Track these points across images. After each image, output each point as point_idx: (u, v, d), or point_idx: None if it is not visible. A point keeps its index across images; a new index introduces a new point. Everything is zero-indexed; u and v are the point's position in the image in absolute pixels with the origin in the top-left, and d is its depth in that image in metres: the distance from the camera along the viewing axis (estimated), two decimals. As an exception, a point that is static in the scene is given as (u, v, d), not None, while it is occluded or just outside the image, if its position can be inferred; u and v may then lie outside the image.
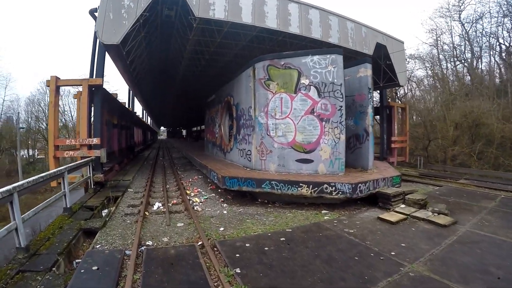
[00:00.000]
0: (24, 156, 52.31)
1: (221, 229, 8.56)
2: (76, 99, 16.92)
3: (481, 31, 33.09)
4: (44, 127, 50.30)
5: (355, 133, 14.07)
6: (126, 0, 12.19)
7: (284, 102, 12.37)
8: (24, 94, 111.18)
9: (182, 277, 5.62)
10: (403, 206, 10.68)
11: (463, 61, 34.50)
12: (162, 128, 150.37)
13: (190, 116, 67.87)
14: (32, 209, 7.50)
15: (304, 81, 12.18)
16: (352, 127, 14.15)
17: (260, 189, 10.89)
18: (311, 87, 12.14)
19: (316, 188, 10.42)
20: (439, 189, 14.59)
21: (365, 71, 13.68)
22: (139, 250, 7.05)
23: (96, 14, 12.66)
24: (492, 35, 32.20)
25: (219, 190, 13.33)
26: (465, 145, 26.97)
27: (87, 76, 15.08)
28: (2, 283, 5.39)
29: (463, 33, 34.24)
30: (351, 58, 17.04)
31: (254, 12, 13.74)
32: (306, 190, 10.44)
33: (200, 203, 11.64)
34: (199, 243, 7.40)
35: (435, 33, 37.62)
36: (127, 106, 31.06)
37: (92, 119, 14.57)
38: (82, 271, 5.81)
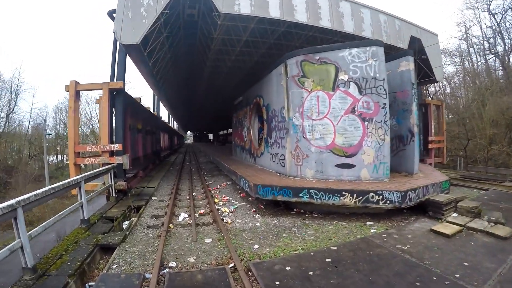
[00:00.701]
0: (54, 162, 53.17)
1: (256, 246, 7.43)
2: (98, 104, 16.31)
3: (512, 21, 30.69)
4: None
5: (398, 134, 12.72)
6: (145, -2, 11.41)
7: (321, 100, 11.21)
8: (53, 102, 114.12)
9: (211, 313, 4.54)
10: (455, 215, 9.45)
11: (496, 54, 32.27)
12: (188, 132, 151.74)
13: (217, 120, 67.59)
14: (41, 225, 6.65)
15: (343, 77, 10.98)
16: (394, 127, 12.77)
17: (297, 198, 9.73)
18: (351, 83, 10.93)
19: (361, 197, 9.21)
20: (486, 194, 13.18)
21: (407, 65, 12.38)
22: (161, 273, 6.05)
23: (115, 15, 11.94)
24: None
25: (250, 199, 12.26)
26: (505, 143, 25.06)
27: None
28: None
29: (494, 24, 31.99)
30: (386, 53, 15.74)
31: (282, 5, 12.69)
32: (350, 199, 9.25)
33: (230, 213, 10.62)
34: (231, 265, 6.31)
35: (464, 26, 35.36)
36: (152, 111, 30.47)
37: (114, 124, 13.80)
38: (93, 301, 4.82)
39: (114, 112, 13.74)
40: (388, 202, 9.14)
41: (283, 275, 5.80)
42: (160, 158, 30.16)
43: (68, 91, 12.94)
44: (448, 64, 34.84)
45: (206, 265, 6.52)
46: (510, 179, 17.87)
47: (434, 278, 5.61)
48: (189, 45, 20.00)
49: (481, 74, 32.94)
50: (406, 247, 7.16)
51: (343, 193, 9.31)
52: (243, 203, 11.94)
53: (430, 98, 30.42)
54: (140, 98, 18.78)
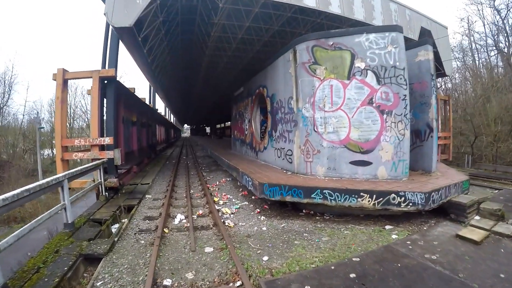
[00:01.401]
0: (49, 156, 52.02)
1: (265, 258, 6.33)
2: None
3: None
4: (67, 127, 50.04)
5: (415, 129, 11.62)
6: (139, -25, 10.31)
7: (335, 90, 10.10)
8: (48, 95, 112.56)
9: None
10: (477, 218, 8.68)
11: (500, 51, 31.37)
12: (185, 126, 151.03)
13: (214, 113, 66.85)
14: (12, 235, 5.55)
15: (359, 64, 9.87)
16: (411, 121, 11.64)
17: (308, 199, 8.66)
18: (368, 71, 9.82)
19: (381, 199, 8.18)
20: (500, 193, 12.32)
21: (426, 54, 11.30)
22: (153, 296, 4.98)
23: (107, -3, 10.78)
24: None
25: (253, 197, 11.22)
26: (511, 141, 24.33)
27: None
28: None
29: (498, 20, 31.08)
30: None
31: (289, -12, 11.60)
32: (368, 201, 8.22)
33: (232, 215, 9.59)
34: (238, 283, 5.25)
35: (467, 21, 34.30)
36: (147, 103, 29.23)
37: (105, 116, 12.68)
38: None
39: (105, 103, 12.63)
40: (410, 204, 8.15)
41: (302, 298, 4.74)
42: (156, 152, 29.01)
43: (55, 80, 11.87)
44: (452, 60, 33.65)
45: (207, 282, 5.43)
46: (520, 177, 17.20)
47: (474, 294, 4.76)
48: (187, 32, 18.81)
49: (483, 71, 32.22)
50: (435, 257, 6.31)
51: (361, 194, 8.27)
52: (245, 203, 10.89)
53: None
54: (134, 88, 17.66)
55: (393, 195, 8.15)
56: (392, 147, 9.65)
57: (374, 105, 9.75)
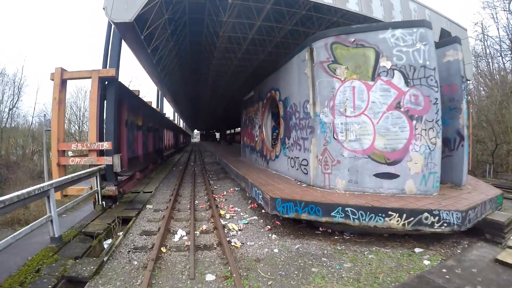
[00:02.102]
0: (58, 158, 51.84)
1: (278, 292, 5.30)
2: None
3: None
4: (75, 130, 50.11)
5: (444, 137, 10.30)
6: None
7: (357, 92, 9.01)
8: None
9: None
10: None
11: None
12: (195, 131, 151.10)
13: (224, 119, 66.02)
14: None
15: (385, 63, 8.79)
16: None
17: (328, 218, 7.57)
18: (395, 71, 8.73)
19: (412, 219, 7.05)
20: None
21: (455, 54, 10.11)
22: None
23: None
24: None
25: (263, 211, 10.18)
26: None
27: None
28: None
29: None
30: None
31: (304, -17, 10.68)
32: (397, 221, 7.10)
33: (239, 232, 8.53)
34: (244, 329, 4.20)
35: (481, 25, 32.96)
36: (154, 107, 28.40)
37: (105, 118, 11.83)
38: None
39: (105, 105, 11.79)
40: (445, 225, 7.00)
41: None
42: (162, 158, 28.15)
43: (53, 80, 11.15)
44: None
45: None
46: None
47: None
48: (196, 34, 17.96)
49: (497, 77, 30.82)
50: (478, 290, 5.15)
51: (389, 212, 7.15)
52: (254, 217, 9.83)
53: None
54: (138, 91, 16.78)
55: (426, 214, 7.02)
56: (422, 157, 8.52)
57: (402, 109, 8.65)
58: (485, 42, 31.93)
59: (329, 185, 9.29)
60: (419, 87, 8.61)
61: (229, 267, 6.01)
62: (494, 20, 31.51)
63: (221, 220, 9.24)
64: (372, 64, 8.93)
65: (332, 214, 7.50)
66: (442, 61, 10.33)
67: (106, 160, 10.67)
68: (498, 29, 31.19)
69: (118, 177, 12.31)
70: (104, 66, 12.03)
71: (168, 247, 7.36)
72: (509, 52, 30.32)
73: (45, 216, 6.92)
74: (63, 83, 11.36)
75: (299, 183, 10.45)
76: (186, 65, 23.85)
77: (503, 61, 30.85)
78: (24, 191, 6.22)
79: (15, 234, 5.74)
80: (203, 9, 14.52)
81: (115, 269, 6.20)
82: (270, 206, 8.20)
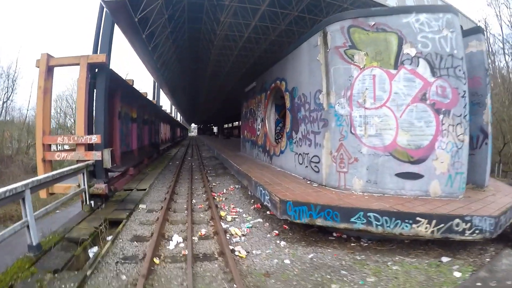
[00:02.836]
0: (53, 151, 51.12)
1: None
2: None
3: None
4: (71, 123, 49.39)
5: (466, 134, 9.56)
6: None
7: (378, 82, 7.98)
8: (55, 91, 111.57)
9: None
10: None
11: None
12: (193, 125, 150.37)
13: (222, 112, 65.22)
14: None
15: (409, 50, 7.78)
16: (463, 124, 9.64)
17: (347, 224, 6.59)
18: (420, 60, 7.73)
19: (442, 226, 6.09)
20: None
21: (479, 45, 9.18)
22: None
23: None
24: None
25: (268, 213, 9.22)
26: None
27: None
28: None
29: None
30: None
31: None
32: (426, 228, 6.13)
33: (243, 237, 7.53)
34: None
35: (484, 23, 32.13)
36: (151, 99, 27.25)
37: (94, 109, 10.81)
38: None
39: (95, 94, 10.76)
40: (477, 232, 6.10)
41: None
42: (159, 152, 27.09)
43: (38, 67, 10.14)
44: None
45: None
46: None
47: None
48: (194, 19, 16.88)
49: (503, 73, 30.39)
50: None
51: (417, 218, 6.18)
52: (259, 220, 8.84)
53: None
54: (132, 80, 15.70)
55: (457, 220, 6.07)
56: (448, 156, 7.55)
57: (427, 102, 7.64)
58: (489, 40, 31.16)
59: (345, 185, 8.29)
60: (446, 78, 7.64)
61: (235, 285, 5.03)
62: (498, 17, 30.85)
63: (222, 223, 8.25)
64: (395, 50, 7.92)
65: (352, 220, 6.51)
66: (465, 52, 9.35)
67: (95, 155, 9.67)
68: (501, 26, 30.23)
69: (110, 174, 11.32)
70: (95, 52, 10.98)
71: (162, 257, 6.37)
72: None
73: (19, 222, 5.94)
74: (49, 70, 10.38)
75: (308, 182, 9.44)
76: (184, 55, 22.83)
77: (505, 58, 30.50)
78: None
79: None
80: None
81: (100, 284, 5.23)
82: (280, 209, 7.19)
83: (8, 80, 40.00)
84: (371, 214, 6.41)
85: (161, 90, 33.06)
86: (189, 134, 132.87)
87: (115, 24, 11.33)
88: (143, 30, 12.65)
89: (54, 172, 7.43)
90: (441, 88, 7.62)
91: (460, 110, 7.62)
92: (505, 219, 6.54)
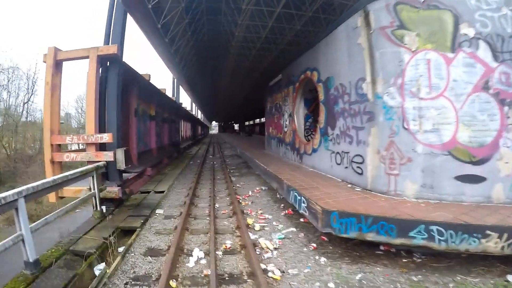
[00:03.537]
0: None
1: None
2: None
3: None
4: None
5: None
6: None
7: (434, 67, 6.69)
8: (76, 92, 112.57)
9: None
10: None
11: None
12: (213, 122, 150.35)
13: (243, 109, 64.22)
14: None
15: (466, 30, 6.48)
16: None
17: (404, 239, 5.35)
18: (480, 42, 6.44)
19: (516, 240, 4.87)
20: None
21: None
22: None
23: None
24: None
25: (302, 220, 8.05)
26: None
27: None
28: None
29: None
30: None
31: None
32: (495, 243, 4.93)
33: (275, 252, 6.37)
34: None
35: None
36: (170, 96, 26.33)
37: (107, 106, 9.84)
38: None
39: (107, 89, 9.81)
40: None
41: None
42: (179, 150, 26.21)
43: (45, 62, 9.30)
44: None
45: None
46: None
47: None
48: (213, 10, 15.78)
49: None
50: None
51: (487, 232, 4.94)
52: (291, 229, 7.66)
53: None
54: (149, 75, 14.73)
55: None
56: (515, 155, 6.24)
57: (490, 91, 6.31)
58: None
59: (395, 190, 6.99)
60: (510, 63, 6.32)
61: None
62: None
63: (250, 233, 7.11)
64: (451, 30, 6.62)
65: (411, 234, 5.27)
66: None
67: (107, 156, 8.70)
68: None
69: (125, 175, 10.38)
70: (106, 44, 10.05)
71: (179, 278, 5.28)
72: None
73: (12, 236, 4.96)
74: (57, 65, 9.51)
75: (349, 185, 8.16)
76: (203, 49, 21.82)
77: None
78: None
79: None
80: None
81: (102, 319, 4.19)
82: (322, 221, 5.97)
83: (28, 82, 40.14)
84: (434, 227, 5.18)
85: (180, 87, 32.24)
86: (210, 132, 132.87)
87: (128, 14, 10.38)
88: (158, 20, 11.64)
89: (56, 177, 6.41)
90: (505, 75, 6.31)
91: (527, 101, 6.26)
92: None
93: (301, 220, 8.08)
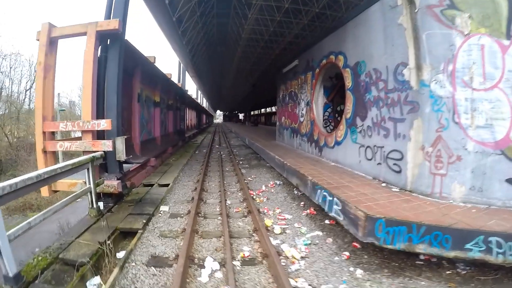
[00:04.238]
0: (76, 138, 51.69)
1: None
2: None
3: None
4: None
5: None
6: None
7: (488, 54, 5.67)
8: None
9: None
10: None
11: None
12: (218, 112, 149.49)
13: (249, 99, 63.03)
14: None
15: (523, 16, 5.48)
16: None
17: (459, 252, 4.45)
18: (536, 28, 5.43)
19: None
20: None
21: None
22: None
23: None
24: None
25: (328, 222, 7.01)
26: None
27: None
28: None
29: None
30: None
31: None
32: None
33: (302, 261, 5.34)
34: None
35: None
36: (176, 82, 25.16)
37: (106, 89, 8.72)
38: None
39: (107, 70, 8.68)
40: None
41: None
42: (184, 139, 25.15)
43: (38, 40, 8.19)
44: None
45: None
46: None
47: None
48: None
49: None
50: None
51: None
52: (317, 232, 6.61)
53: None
54: (154, 57, 13.61)
55: None
56: None
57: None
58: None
59: (441, 192, 5.93)
60: None
61: None
62: None
63: (270, 238, 6.06)
64: (505, 15, 5.63)
65: (467, 246, 4.40)
66: None
67: (104, 145, 7.63)
68: None
69: (126, 166, 9.35)
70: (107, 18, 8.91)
71: (191, 298, 4.27)
72: None
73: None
74: (52, 43, 8.38)
75: (383, 184, 7.07)
76: (212, 32, 20.64)
77: None
78: None
79: None
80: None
81: None
82: (364, 229, 4.89)
83: (31, 68, 39.83)
84: (493, 238, 4.34)
85: (186, 73, 30.98)
86: (214, 121, 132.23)
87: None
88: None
89: (42, 171, 5.26)
90: None
91: None
92: None
93: (327, 222, 7.04)
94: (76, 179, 7.52)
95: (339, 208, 5.81)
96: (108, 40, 8.57)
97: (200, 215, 7.65)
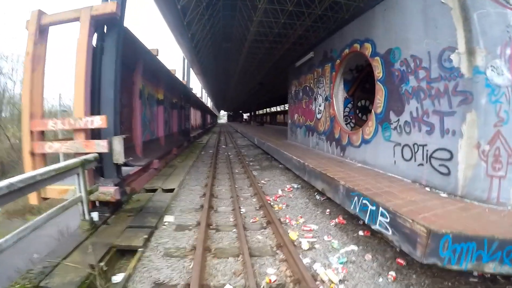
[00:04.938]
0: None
1: None
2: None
3: None
4: None
5: None
6: None
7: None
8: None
9: None
10: None
11: None
12: (222, 112, 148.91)
13: (254, 99, 61.99)
14: None
15: None
16: None
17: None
18: None
19: None
20: None
21: None
22: None
23: None
24: None
25: (362, 233, 5.91)
26: None
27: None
28: None
29: None
30: None
31: None
32: None
33: (341, 285, 4.29)
34: None
35: None
36: (180, 79, 24.09)
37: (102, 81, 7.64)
38: None
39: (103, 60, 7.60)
40: None
41: None
42: (189, 139, 24.12)
43: (27, 29, 7.24)
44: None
45: None
46: None
47: None
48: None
49: None
50: None
51: None
52: (351, 247, 5.48)
53: None
54: (157, 50, 12.54)
55: None
56: None
57: None
58: None
59: (498, 197, 4.95)
60: None
61: None
62: None
63: (299, 255, 4.96)
64: None
65: None
66: None
67: (98, 146, 6.56)
68: None
69: (125, 169, 8.31)
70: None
71: None
72: None
73: None
74: (42, 32, 7.36)
75: (427, 189, 5.95)
76: (217, 26, 19.56)
77: None
78: None
79: None
80: None
81: None
82: (425, 248, 3.80)
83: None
84: None
85: (191, 70, 29.81)
86: (219, 121, 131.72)
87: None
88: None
89: (17, 178, 4.22)
90: None
91: None
92: None
93: (361, 233, 5.94)
94: (68, 185, 6.50)
95: (387, 220, 4.68)
96: (105, 27, 7.52)
97: (211, 227, 6.55)
